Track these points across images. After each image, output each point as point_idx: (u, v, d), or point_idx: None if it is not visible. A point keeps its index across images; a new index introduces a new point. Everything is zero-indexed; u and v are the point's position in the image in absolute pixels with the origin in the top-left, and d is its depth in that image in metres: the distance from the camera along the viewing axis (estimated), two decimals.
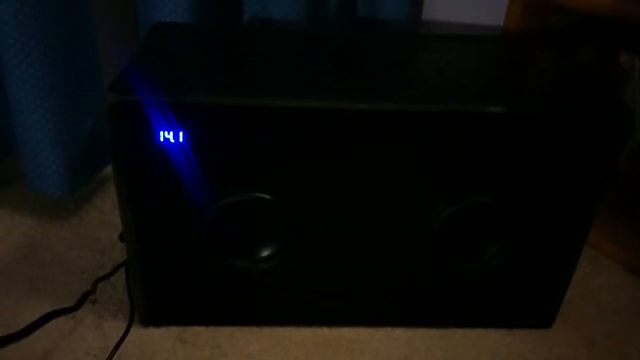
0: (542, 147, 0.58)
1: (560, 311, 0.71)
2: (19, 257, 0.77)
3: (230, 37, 0.73)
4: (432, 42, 0.77)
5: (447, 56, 0.71)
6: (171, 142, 0.57)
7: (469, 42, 0.76)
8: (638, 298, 0.76)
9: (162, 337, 0.67)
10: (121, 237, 0.75)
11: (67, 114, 0.77)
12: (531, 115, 0.57)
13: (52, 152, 0.77)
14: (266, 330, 0.68)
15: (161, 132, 0.56)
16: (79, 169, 0.81)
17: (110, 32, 0.83)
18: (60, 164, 0.78)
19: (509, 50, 0.76)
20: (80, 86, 0.78)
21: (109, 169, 0.88)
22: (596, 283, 0.78)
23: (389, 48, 0.74)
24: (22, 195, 0.87)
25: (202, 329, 0.68)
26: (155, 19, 0.78)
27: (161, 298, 0.66)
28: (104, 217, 0.85)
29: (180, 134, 0.56)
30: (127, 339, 0.66)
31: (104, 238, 0.81)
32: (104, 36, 0.81)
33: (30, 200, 0.87)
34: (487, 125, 0.57)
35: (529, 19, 0.85)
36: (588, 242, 0.82)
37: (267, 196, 0.60)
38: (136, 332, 0.67)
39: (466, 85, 0.63)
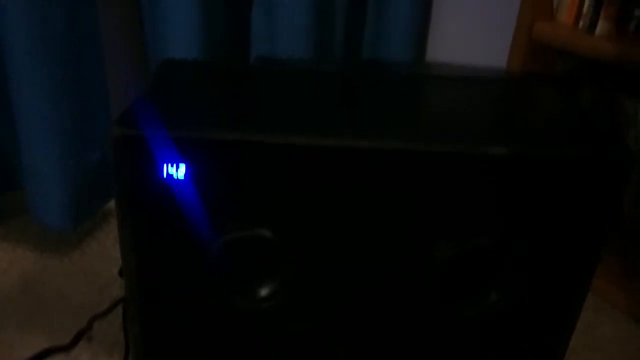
0: (544, 189, 0.58)
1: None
2: (18, 291, 0.77)
3: (237, 74, 0.73)
4: (435, 82, 0.77)
5: (450, 97, 0.72)
6: (175, 178, 0.57)
7: (472, 83, 0.76)
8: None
9: None
10: (121, 273, 0.74)
11: (74, 147, 0.78)
12: (533, 157, 0.57)
13: (58, 185, 0.78)
14: None
15: (165, 167, 0.56)
16: (83, 202, 0.81)
17: (119, 68, 0.84)
18: (65, 195, 0.79)
19: (512, 92, 0.76)
20: (87, 120, 0.79)
21: (113, 203, 0.88)
22: (601, 333, 0.76)
23: (392, 88, 0.74)
24: (26, 228, 0.87)
25: None
26: (165, 56, 0.79)
27: (158, 337, 0.65)
28: (106, 251, 0.84)
29: (184, 169, 0.56)
30: None
31: (104, 273, 0.80)
32: (112, 71, 0.82)
33: (34, 233, 0.87)
34: (488, 166, 0.57)
35: (532, 62, 0.86)
36: (592, 289, 0.82)
37: (269, 234, 0.60)
38: None
39: (468, 125, 0.63)
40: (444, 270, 0.61)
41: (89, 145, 0.79)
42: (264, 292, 0.62)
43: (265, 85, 0.70)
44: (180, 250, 0.60)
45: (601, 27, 0.78)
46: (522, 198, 0.58)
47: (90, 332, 0.70)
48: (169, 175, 0.56)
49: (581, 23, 0.81)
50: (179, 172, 0.56)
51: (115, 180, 0.57)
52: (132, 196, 0.57)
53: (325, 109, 0.66)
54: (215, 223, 0.59)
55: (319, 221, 0.59)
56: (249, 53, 0.86)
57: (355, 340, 0.66)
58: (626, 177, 0.57)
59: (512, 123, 0.66)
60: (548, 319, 0.65)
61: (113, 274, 0.79)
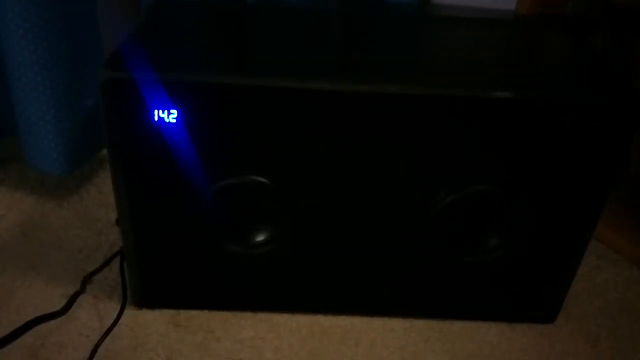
0: (548, 135, 0.56)
1: (564, 306, 0.69)
2: (18, 235, 0.77)
3: (233, 14, 0.71)
4: (440, 25, 0.74)
5: (455, 40, 0.69)
6: (166, 122, 0.55)
7: (478, 25, 0.73)
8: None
9: (156, 320, 0.66)
10: (117, 222, 0.74)
11: (67, 92, 0.76)
12: (537, 101, 0.55)
13: (52, 131, 0.76)
14: (261, 316, 0.67)
15: (156, 111, 0.55)
16: (79, 148, 0.80)
17: (111, 10, 0.81)
18: (59, 142, 0.78)
19: (520, 35, 0.73)
20: (80, 64, 0.77)
21: None
22: (603, 278, 0.76)
23: (395, 30, 0.72)
24: (24, 173, 0.87)
25: (196, 312, 0.67)
26: None
27: (155, 280, 0.65)
28: (104, 197, 0.84)
29: (176, 113, 0.55)
30: (120, 320, 0.65)
31: (102, 218, 0.80)
32: (105, 13, 0.80)
33: (32, 179, 0.86)
34: (491, 110, 0.55)
35: (541, 4, 0.83)
36: (595, 236, 0.81)
37: (264, 180, 0.59)
38: (130, 314, 0.66)
39: (472, 69, 0.60)
40: (443, 216, 0.60)
41: (82, 91, 0.77)
42: (258, 238, 0.62)
43: (262, 26, 0.68)
44: (174, 196, 0.59)
45: None
46: (525, 144, 0.57)
47: (91, 279, 0.70)
48: (160, 120, 0.55)
49: None
50: (171, 116, 0.55)
51: (104, 126, 0.55)
52: (122, 141, 0.56)
53: (324, 51, 0.63)
54: (209, 169, 0.58)
55: (315, 167, 0.58)
56: None
57: (351, 287, 0.66)
58: (634, 124, 0.55)
59: (517, 66, 0.63)
60: (548, 264, 0.64)
61: (111, 219, 0.79)
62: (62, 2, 0.73)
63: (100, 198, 0.84)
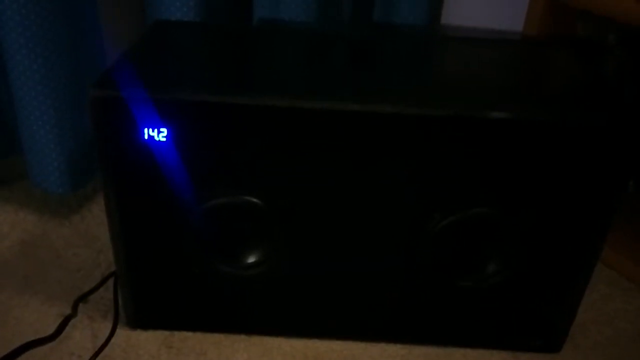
0: (548, 157, 0.54)
1: (571, 335, 0.66)
2: (18, 253, 0.77)
3: (232, 35, 0.71)
4: (444, 45, 0.73)
5: (458, 60, 0.68)
6: (156, 140, 0.55)
7: (485, 45, 0.72)
8: None
9: (148, 341, 0.65)
10: None
11: (71, 111, 0.77)
12: (535, 122, 0.53)
13: (55, 149, 0.77)
14: (255, 340, 0.66)
15: (146, 130, 0.54)
16: (82, 167, 0.80)
17: (116, 30, 0.82)
18: (62, 160, 0.78)
19: (525, 56, 0.72)
20: (85, 83, 0.78)
21: None
22: (613, 307, 0.73)
23: (397, 49, 0.71)
24: (28, 192, 0.87)
25: (189, 334, 0.66)
26: (162, 18, 0.77)
27: (148, 301, 0.65)
28: (105, 216, 0.83)
29: (166, 131, 0.55)
30: (113, 340, 0.64)
31: (102, 237, 0.80)
32: (110, 33, 0.81)
33: (36, 198, 0.87)
34: (490, 131, 0.54)
35: (550, 25, 0.81)
36: (606, 262, 0.78)
37: (256, 200, 0.58)
38: (123, 334, 0.65)
39: (472, 89, 0.59)
40: (440, 239, 0.59)
41: (84, 109, 0.78)
42: (251, 259, 0.61)
43: (259, 47, 0.68)
44: (166, 215, 0.59)
45: None
46: (524, 166, 0.55)
47: (87, 297, 0.70)
48: (150, 138, 0.55)
49: None
50: (160, 135, 0.55)
51: (95, 144, 0.55)
52: (113, 160, 0.56)
53: (320, 70, 0.63)
54: (200, 188, 0.57)
55: (308, 188, 0.57)
56: (251, 15, 0.83)
57: (347, 311, 0.65)
58: (635, 147, 0.53)
59: (518, 87, 0.62)
60: (552, 291, 0.62)
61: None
62: (67, 20, 0.74)
63: (101, 217, 0.83)
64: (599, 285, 0.75)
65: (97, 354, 0.62)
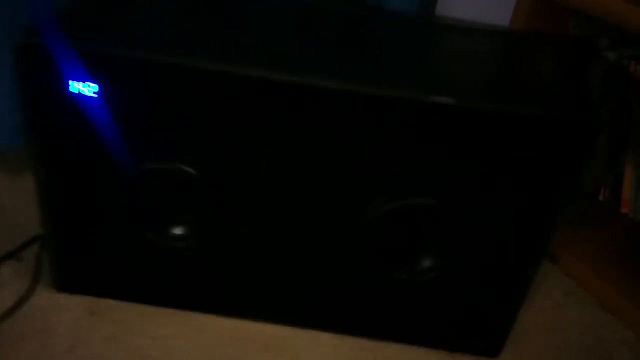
0: (492, 148, 0.51)
1: (515, 341, 0.63)
2: None
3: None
4: (432, 30, 0.69)
5: (434, 45, 0.64)
6: (85, 95, 0.52)
7: (470, 34, 0.68)
8: (606, 339, 0.67)
9: (71, 305, 0.63)
10: None
11: None
12: (480, 110, 0.50)
13: (8, 104, 0.74)
14: (183, 315, 0.63)
15: (72, 82, 0.52)
16: None
17: None
18: (17, 116, 0.75)
19: (508, 47, 0.68)
20: None
21: None
22: (565, 316, 0.69)
23: (376, 30, 0.67)
24: None
25: (116, 303, 0.63)
26: None
27: (74, 265, 0.62)
28: None
29: (97, 87, 0.52)
30: (36, 302, 0.62)
31: None
32: None
33: None
34: (432, 116, 0.50)
35: (538, 21, 0.77)
36: (567, 271, 0.75)
37: (189, 169, 0.55)
38: (46, 296, 0.63)
39: (433, 74, 0.56)
40: (378, 227, 0.56)
41: None
42: (180, 230, 0.58)
43: (219, 12, 0.64)
44: (95, 176, 0.56)
45: None
46: (469, 157, 0.52)
47: (20, 254, 0.68)
48: (78, 92, 0.52)
49: None
50: (90, 89, 0.52)
51: (20, 93, 0.53)
52: (38, 112, 0.53)
53: (274, 41, 0.59)
54: (132, 150, 0.55)
55: (245, 161, 0.55)
56: None
57: (280, 293, 0.62)
58: (586, 143, 0.50)
59: (483, 76, 0.58)
60: (491, 292, 0.59)
61: None
62: None
63: None
64: (556, 292, 0.72)
65: (10, 311, 0.60)
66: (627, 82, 0.78)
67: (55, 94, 0.52)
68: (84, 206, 0.58)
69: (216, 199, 0.56)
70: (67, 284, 0.63)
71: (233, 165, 0.55)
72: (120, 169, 0.55)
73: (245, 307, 0.63)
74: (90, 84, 0.52)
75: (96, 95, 0.52)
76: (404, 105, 0.50)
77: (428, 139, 0.51)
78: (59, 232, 0.60)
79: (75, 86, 0.52)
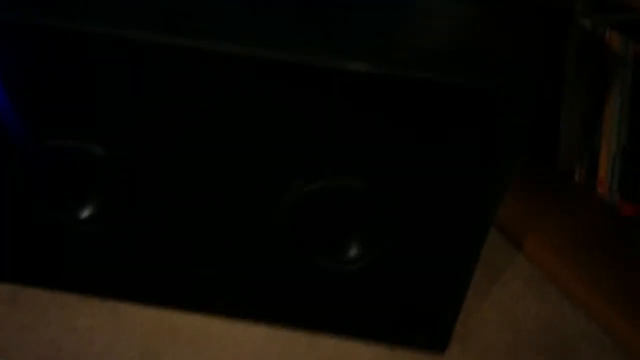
0: (421, 123, 0.46)
1: (466, 335, 0.59)
2: None
3: None
4: None
5: (405, 12, 0.58)
6: None
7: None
8: (568, 334, 0.61)
9: None
10: None
11: None
12: (399, 78, 0.44)
13: None
14: (108, 305, 0.59)
15: None
16: None
17: None
18: None
19: (474, 13, 0.62)
20: None
21: None
22: (523, 308, 0.64)
23: None
24: None
25: (40, 292, 0.60)
26: None
27: None
28: None
29: None
30: None
31: None
32: None
33: None
34: (351, 85, 0.45)
35: None
36: (531, 257, 0.69)
37: (95, 146, 0.51)
38: None
39: (362, 38, 0.50)
40: (299, 210, 0.51)
41: None
42: (85, 213, 0.54)
43: None
44: None
45: None
46: (397, 132, 0.47)
47: None
48: None
49: None
50: None
51: None
52: None
53: (177, 5, 0.54)
54: (33, 125, 0.51)
55: (155, 138, 0.50)
56: None
57: (207, 282, 0.58)
58: (518, 114, 0.44)
59: (423, 43, 0.53)
60: (429, 282, 0.54)
61: None
62: None
63: None
64: (515, 281, 0.67)
65: None
66: (602, 51, 0.72)
67: None
68: None
69: (125, 179, 0.52)
70: None
71: (142, 142, 0.51)
72: (21, 145, 0.52)
73: (170, 296, 0.59)
74: None
75: None
76: (318, 73, 0.45)
77: (349, 111, 0.47)
78: None
79: None
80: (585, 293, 0.64)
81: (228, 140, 0.49)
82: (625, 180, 0.72)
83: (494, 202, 0.49)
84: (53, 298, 0.60)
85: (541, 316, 0.63)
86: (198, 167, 0.51)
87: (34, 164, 0.52)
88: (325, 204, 0.51)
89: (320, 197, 0.50)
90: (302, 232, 0.52)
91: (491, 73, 0.45)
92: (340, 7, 0.55)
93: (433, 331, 0.57)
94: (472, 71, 0.45)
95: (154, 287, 0.59)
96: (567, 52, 0.74)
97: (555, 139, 0.78)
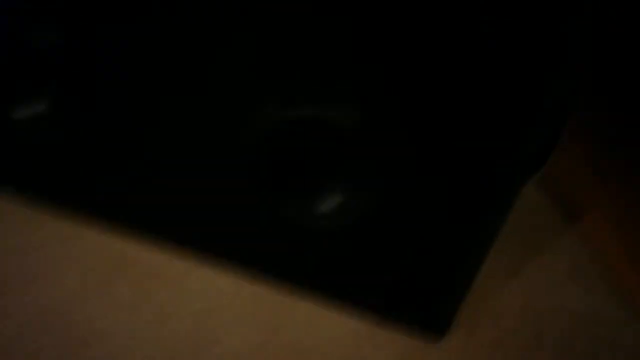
0: (431, 46, 0.34)
1: (479, 322, 0.48)
2: None
3: None
4: None
5: None
6: None
7: None
8: (604, 341, 0.48)
9: None
10: None
11: None
12: None
13: None
14: (67, 226, 0.51)
15: None
16: None
17: None
18: None
19: None
20: None
21: None
22: (556, 300, 0.51)
23: None
24: None
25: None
26: None
27: None
28: None
29: None
30: None
31: None
32: None
33: None
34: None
35: None
36: (587, 236, 0.55)
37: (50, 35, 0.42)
38: None
39: None
40: (271, 143, 0.41)
41: None
42: (38, 108, 0.46)
43: None
44: None
45: None
46: (399, 53, 0.35)
47: None
48: None
49: None
50: None
51: None
52: None
53: None
54: None
55: (113, 26, 0.41)
56: None
57: (167, 208, 0.49)
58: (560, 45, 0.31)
59: None
60: (429, 249, 0.42)
61: None
62: None
63: None
64: (557, 265, 0.53)
65: None
66: None
67: None
68: None
69: (79, 77, 0.43)
70: None
71: (102, 36, 0.41)
72: None
73: (130, 222, 0.50)
74: None
75: None
76: None
77: (345, 27, 0.35)
78: None
79: None
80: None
81: (197, 43, 0.39)
82: None
83: (522, 151, 0.36)
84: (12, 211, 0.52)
85: (578, 313, 0.50)
86: (161, 78, 0.41)
87: None
88: (302, 140, 0.40)
89: (297, 128, 0.39)
90: (270, 172, 0.41)
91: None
92: None
93: (431, 310, 0.46)
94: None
95: (107, 209, 0.50)
96: None
97: None
